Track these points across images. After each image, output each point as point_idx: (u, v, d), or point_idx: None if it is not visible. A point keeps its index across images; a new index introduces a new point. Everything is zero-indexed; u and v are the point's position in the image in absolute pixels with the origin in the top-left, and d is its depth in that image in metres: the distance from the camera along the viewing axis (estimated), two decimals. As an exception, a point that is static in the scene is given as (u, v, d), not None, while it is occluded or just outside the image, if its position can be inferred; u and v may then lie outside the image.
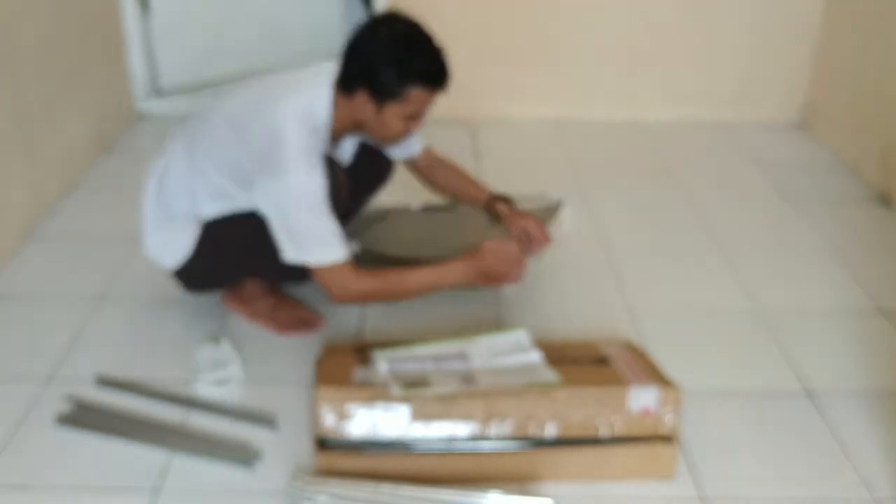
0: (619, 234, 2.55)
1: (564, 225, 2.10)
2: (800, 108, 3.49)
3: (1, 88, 2.28)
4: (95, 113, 2.93)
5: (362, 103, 1.75)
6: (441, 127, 3.32)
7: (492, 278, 1.86)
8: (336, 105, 1.79)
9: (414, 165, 2.18)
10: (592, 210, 2.70)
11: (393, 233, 2.27)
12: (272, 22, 3.49)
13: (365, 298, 1.86)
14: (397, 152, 2.12)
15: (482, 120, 3.44)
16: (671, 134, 3.36)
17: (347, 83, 1.76)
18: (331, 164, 1.81)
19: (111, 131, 3.08)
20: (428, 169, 2.18)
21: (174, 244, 1.90)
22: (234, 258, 1.91)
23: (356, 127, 1.83)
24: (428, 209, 2.39)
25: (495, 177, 2.92)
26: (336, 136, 1.86)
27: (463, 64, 3.38)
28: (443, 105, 3.38)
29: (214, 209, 1.86)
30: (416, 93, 1.73)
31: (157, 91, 3.36)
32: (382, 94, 1.72)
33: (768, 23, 3.35)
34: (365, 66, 1.72)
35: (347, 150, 1.99)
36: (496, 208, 2.12)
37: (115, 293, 2.16)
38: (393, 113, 1.75)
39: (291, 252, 1.76)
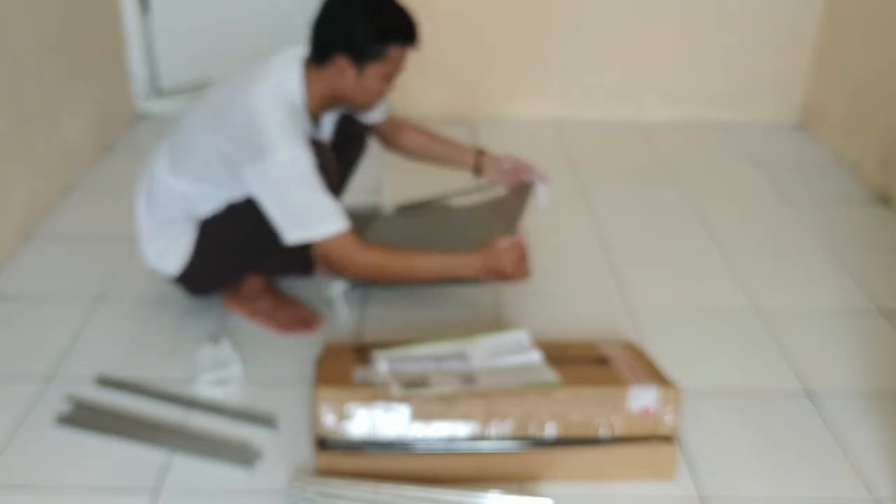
0: (619, 234, 2.55)
1: (540, 200, 2.08)
2: (799, 108, 3.49)
3: (1, 88, 2.28)
4: (95, 113, 2.93)
5: (342, 69, 1.76)
6: (441, 127, 3.32)
7: (500, 276, 1.86)
8: (309, 81, 1.80)
9: (378, 132, 2.17)
10: (592, 210, 2.70)
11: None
12: (272, 22, 3.48)
13: (372, 271, 1.83)
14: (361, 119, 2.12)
15: (482, 120, 3.44)
16: (671, 134, 3.36)
17: (322, 53, 1.77)
18: (318, 146, 1.81)
19: (111, 131, 3.08)
20: (393, 134, 2.18)
21: (174, 250, 1.91)
22: (235, 252, 1.91)
23: (333, 99, 1.84)
24: (403, 211, 2.34)
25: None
26: (314, 114, 1.86)
27: (463, 64, 3.42)
28: (443, 105, 3.44)
29: (210, 206, 1.86)
30: (394, 50, 1.75)
31: (157, 91, 3.36)
32: (363, 54, 1.74)
33: (768, 23, 3.35)
34: (341, 31, 1.74)
35: (328, 128, 1.99)
36: (483, 167, 2.17)
37: (115, 293, 2.16)
38: (374, 73, 1.77)
39: (292, 232, 1.75)
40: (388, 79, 1.80)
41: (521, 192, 2.17)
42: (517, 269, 1.85)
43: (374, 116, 2.11)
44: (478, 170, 2.18)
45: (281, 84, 1.77)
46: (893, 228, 2.65)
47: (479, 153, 2.18)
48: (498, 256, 1.84)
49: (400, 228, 2.25)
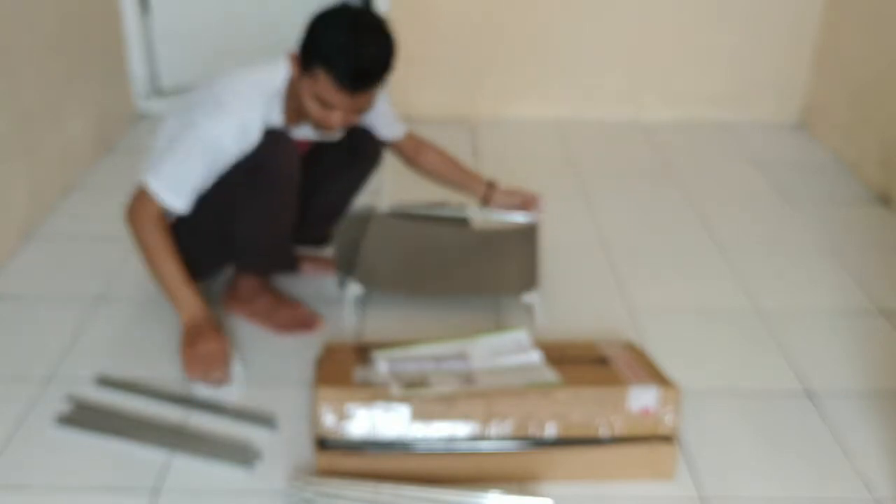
0: (619, 234, 2.55)
1: (537, 319, 2.09)
2: (799, 108, 3.49)
3: (1, 88, 2.28)
4: (95, 113, 2.93)
5: (294, 67, 1.77)
6: (441, 127, 3.32)
7: (194, 351, 1.75)
8: (295, 72, 1.80)
9: (397, 149, 2.19)
10: (592, 210, 2.70)
11: (386, 257, 2.16)
12: (272, 22, 3.48)
13: (133, 236, 1.81)
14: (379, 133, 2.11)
15: (482, 120, 3.44)
16: (671, 134, 3.36)
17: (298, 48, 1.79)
18: (270, 134, 1.81)
19: (111, 131, 3.08)
20: (413, 153, 2.19)
21: None
22: (206, 241, 1.91)
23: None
24: (400, 216, 2.33)
25: (495, 177, 2.92)
26: (291, 115, 1.85)
27: (463, 64, 3.43)
28: (443, 105, 3.44)
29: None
30: (322, 76, 1.69)
31: (157, 91, 3.36)
32: (303, 62, 1.74)
33: (768, 23, 3.35)
34: (308, 31, 1.74)
35: (309, 131, 1.98)
36: (491, 199, 2.21)
37: (115, 293, 2.16)
38: (306, 86, 1.75)
39: (147, 163, 1.79)
40: (319, 101, 1.74)
41: (526, 234, 2.20)
42: (206, 364, 1.75)
43: (391, 132, 2.12)
44: (486, 201, 2.21)
45: (265, 74, 1.80)
46: (893, 228, 2.65)
47: (490, 185, 2.20)
48: (202, 338, 1.76)
49: (395, 230, 2.24)
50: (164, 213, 1.80)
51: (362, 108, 1.78)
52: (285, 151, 1.84)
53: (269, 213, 1.88)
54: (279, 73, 1.81)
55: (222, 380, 1.76)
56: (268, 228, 1.91)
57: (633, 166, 3.08)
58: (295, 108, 1.84)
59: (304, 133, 1.94)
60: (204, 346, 1.75)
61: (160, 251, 1.79)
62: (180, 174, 1.77)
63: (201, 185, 1.80)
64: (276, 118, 1.82)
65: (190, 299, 1.80)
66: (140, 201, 1.79)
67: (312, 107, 1.76)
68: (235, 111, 1.75)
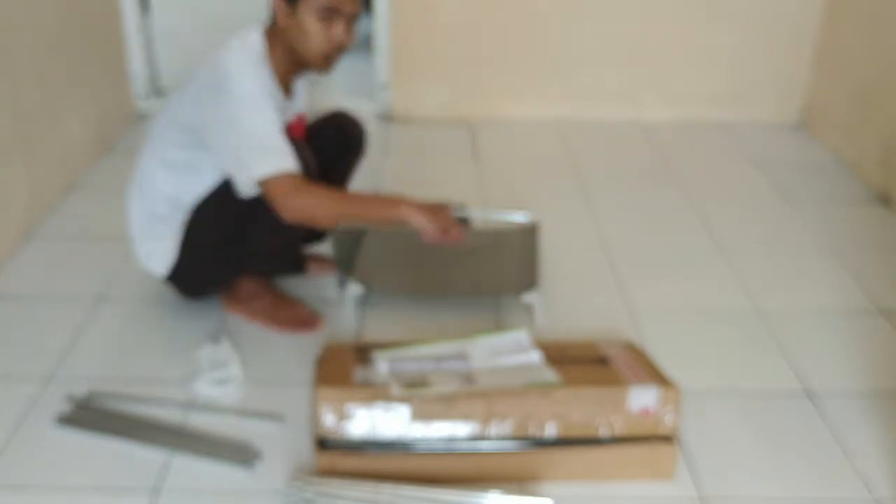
0: (619, 234, 2.55)
1: (537, 319, 2.08)
2: (799, 108, 3.49)
3: (1, 88, 2.28)
4: (95, 113, 2.93)
5: (280, 14, 1.75)
6: (441, 127, 3.33)
7: (441, 225, 1.79)
8: (271, 47, 1.80)
9: None
10: (592, 210, 2.70)
11: (383, 263, 2.18)
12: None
13: (305, 217, 1.75)
14: None
15: (482, 120, 3.44)
16: (671, 134, 3.36)
17: (269, 8, 1.77)
18: (297, 146, 1.81)
19: (111, 131, 3.08)
20: None
21: (161, 251, 1.91)
22: (220, 253, 1.90)
23: (292, 61, 1.82)
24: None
25: (495, 177, 2.93)
26: (283, 80, 1.85)
27: (463, 64, 3.43)
28: (443, 105, 3.44)
29: (195, 188, 1.85)
30: None
31: (157, 91, 3.36)
32: None
33: (768, 22, 3.36)
34: None
35: (300, 100, 1.98)
36: None
37: (115, 293, 2.16)
38: (305, 11, 1.73)
39: (240, 175, 1.71)
40: (324, 17, 1.73)
41: (526, 234, 2.21)
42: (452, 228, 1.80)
43: None
44: None
45: (247, 44, 1.78)
46: (893, 228, 2.65)
47: None
48: (441, 209, 1.81)
49: (394, 230, 2.24)
50: (289, 179, 1.70)
51: (357, 15, 1.78)
52: (302, 160, 1.84)
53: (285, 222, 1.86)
54: (254, 40, 1.80)
55: (453, 228, 1.81)
56: (282, 236, 1.90)
57: (633, 166, 3.08)
58: (283, 75, 1.84)
59: (296, 106, 1.94)
60: (433, 209, 1.79)
61: (342, 201, 1.77)
62: (271, 140, 1.70)
63: (281, 137, 1.73)
64: (276, 96, 1.81)
65: (394, 199, 1.80)
66: (269, 193, 1.71)
67: (315, 31, 1.74)
68: (247, 65, 1.73)
